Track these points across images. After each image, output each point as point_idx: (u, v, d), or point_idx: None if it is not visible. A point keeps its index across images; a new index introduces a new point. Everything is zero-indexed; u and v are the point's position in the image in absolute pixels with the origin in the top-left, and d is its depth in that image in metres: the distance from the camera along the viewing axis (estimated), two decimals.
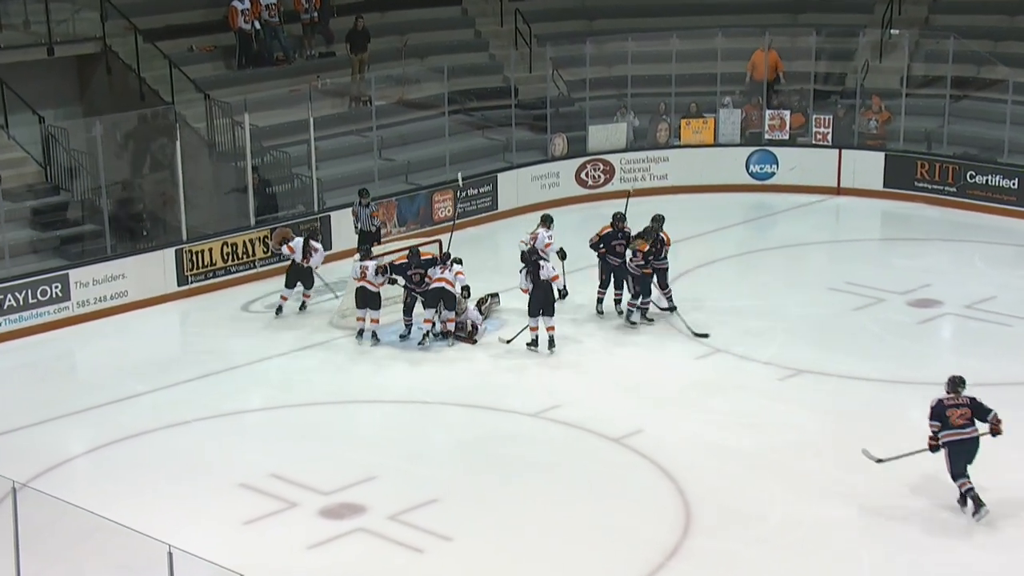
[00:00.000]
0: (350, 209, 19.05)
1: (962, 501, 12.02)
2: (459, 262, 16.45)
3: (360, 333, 16.47)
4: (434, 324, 16.26)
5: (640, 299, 16.72)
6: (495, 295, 17.36)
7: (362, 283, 16.31)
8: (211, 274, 18.76)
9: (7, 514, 10.25)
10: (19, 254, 17.88)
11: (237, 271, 19.02)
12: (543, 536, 11.94)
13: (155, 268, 18.27)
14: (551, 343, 16.10)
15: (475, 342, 16.54)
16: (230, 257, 18.95)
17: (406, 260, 16.24)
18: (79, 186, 19.22)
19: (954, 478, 11.97)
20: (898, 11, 24.86)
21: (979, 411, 11.99)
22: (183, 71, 20.98)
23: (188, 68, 21.21)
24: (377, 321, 16.38)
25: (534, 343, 16.14)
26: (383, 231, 19.45)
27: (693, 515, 12.19)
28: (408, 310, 16.42)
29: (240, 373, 15.66)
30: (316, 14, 23.18)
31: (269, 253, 19.02)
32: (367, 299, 16.31)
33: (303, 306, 17.60)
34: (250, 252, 19.07)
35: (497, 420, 14.38)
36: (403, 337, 16.37)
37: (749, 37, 24.10)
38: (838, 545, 11.73)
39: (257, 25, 22.25)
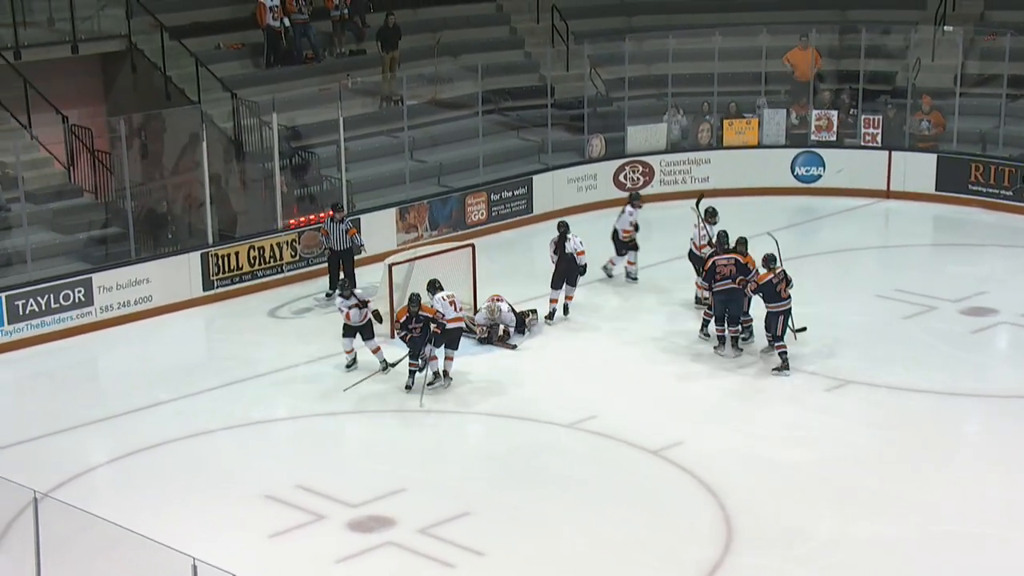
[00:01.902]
0: (320, 228, 18.45)
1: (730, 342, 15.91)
2: (439, 287, 15.65)
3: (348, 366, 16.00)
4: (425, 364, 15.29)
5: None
6: (534, 311, 17.28)
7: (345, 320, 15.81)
8: (237, 279, 18.86)
9: (28, 525, 10.35)
10: (41, 257, 18.03)
11: (264, 276, 19.11)
12: (577, 552, 11.92)
13: (180, 272, 18.39)
14: (565, 310, 17.38)
15: (514, 347, 16.56)
16: (257, 261, 19.05)
17: (407, 314, 15.12)
18: (103, 188, 19.37)
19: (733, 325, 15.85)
20: (952, 7, 24.67)
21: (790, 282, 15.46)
22: (210, 69, 21.11)
23: (215, 66, 21.34)
24: (378, 349, 15.80)
25: (550, 316, 17.25)
26: (360, 249, 18.45)
27: (734, 531, 12.14)
28: (415, 354, 15.19)
29: (266, 381, 15.73)
30: (347, 10, 23.28)
31: (297, 257, 19.07)
32: (349, 331, 15.87)
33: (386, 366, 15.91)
34: (277, 256, 19.15)
35: (530, 431, 14.38)
36: (408, 388, 15.27)
37: (795, 35, 23.99)
38: (889, 565, 11.63)
39: (286, 22, 22.37)
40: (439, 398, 15.24)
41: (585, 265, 17.44)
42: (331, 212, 18.36)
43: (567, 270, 17.28)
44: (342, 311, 15.78)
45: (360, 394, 15.36)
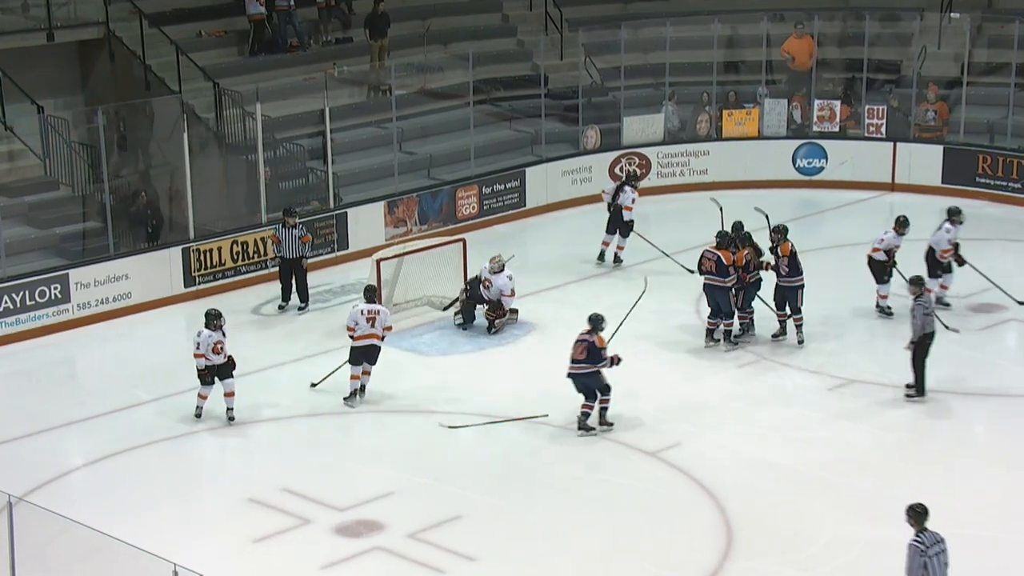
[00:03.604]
0: (271, 233, 18.18)
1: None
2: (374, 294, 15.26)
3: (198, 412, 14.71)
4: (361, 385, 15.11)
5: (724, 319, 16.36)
6: (514, 311, 17.27)
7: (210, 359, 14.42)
8: (220, 275, 18.85)
9: (3, 530, 10.33)
10: (16, 252, 18.01)
11: (247, 272, 19.10)
12: (572, 557, 11.93)
13: (160, 268, 18.38)
14: (616, 259, 19.27)
15: (493, 330, 16.73)
16: (240, 257, 19.04)
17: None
18: (80, 180, 19.34)
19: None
20: None
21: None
22: (191, 58, 21.10)
23: (196, 55, 21.32)
24: (203, 397, 14.63)
25: (600, 256, 19.34)
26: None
27: (734, 536, 12.16)
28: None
29: (250, 380, 15.68)
30: None
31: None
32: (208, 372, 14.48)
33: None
34: (261, 251, 19.13)
35: (523, 431, 14.39)
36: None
37: (798, 22, 24.00)
38: (893, 569, 11.65)
39: (261, 9, 22.21)
40: (430, 398, 15.25)
41: (631, 221, 18.97)
42: (284, 217, 17.92)
43: (614, 219, 19.08)
44: (204, 346, 14.31)
45: (346, 393, 15.37)
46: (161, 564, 9.02)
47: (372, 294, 15.21)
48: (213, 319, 14.43)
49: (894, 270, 17.01)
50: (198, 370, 14.44)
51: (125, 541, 10.06)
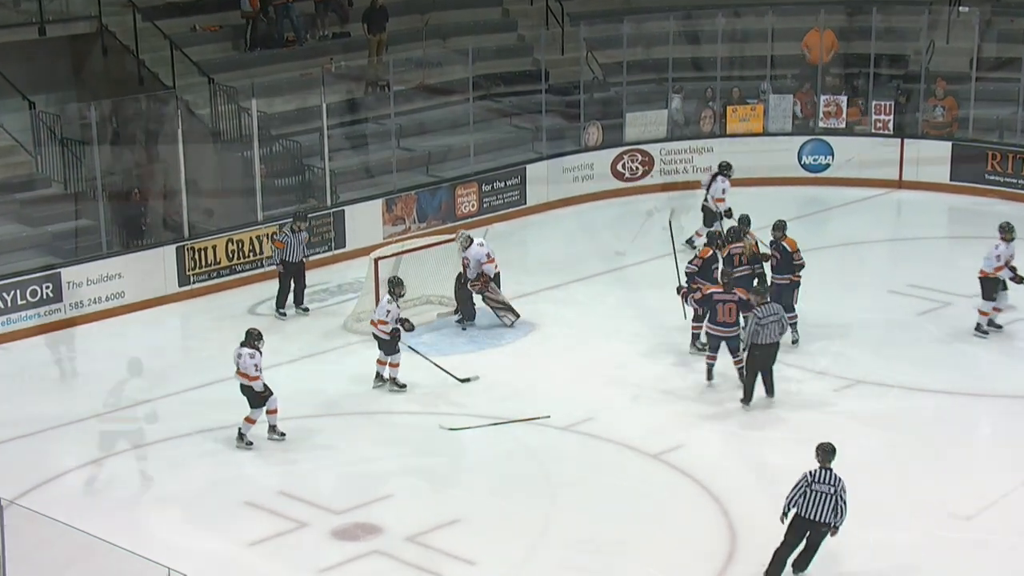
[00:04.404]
0: (275, 238, 18.03)
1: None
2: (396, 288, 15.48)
3: (240, 435, 14.26)
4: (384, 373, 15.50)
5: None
6: (516, 314, 17.19)
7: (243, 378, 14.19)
8: (215, 274, 18.87)
9: None
10: (7, 251, 18.05)
11: (243, 270, 19.13)
12: (573, 562, 11.94)
13: (154, 267, 18.39)
14: (690, 242, 19.25)
15: (511, 324, 16.88)
16: (235, 255, 19.06)
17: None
18: (72, 177, 19.36)
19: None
20: None
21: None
22: (185, 53, 21.12)
23: (191, 49, 21.34)
24: (253, 422, 14.24)
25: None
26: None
27: (738, 539, 12.18)
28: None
29: None
30: None
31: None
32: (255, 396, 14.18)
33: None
34: (257, 250, 19.15)
35: (523, 433, 14.40)
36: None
37: (803, 16, 24.04)
38: (896, 571, 11.68)
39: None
40: (429, 400, 15.27)
41: (729, 210, 18.84)
42: (293, 221, 17.74)
43: (704, 210, 19.32)
44: (252, 369, 13.98)
45: (346, 396, 15.38)
46: (155, 568, 9.04)
47: (390, 285, 15.54)
48: (256, 339, 14.19)
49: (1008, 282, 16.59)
50: (256, 393, 14.09)
51: (119, 545, 10.09)
